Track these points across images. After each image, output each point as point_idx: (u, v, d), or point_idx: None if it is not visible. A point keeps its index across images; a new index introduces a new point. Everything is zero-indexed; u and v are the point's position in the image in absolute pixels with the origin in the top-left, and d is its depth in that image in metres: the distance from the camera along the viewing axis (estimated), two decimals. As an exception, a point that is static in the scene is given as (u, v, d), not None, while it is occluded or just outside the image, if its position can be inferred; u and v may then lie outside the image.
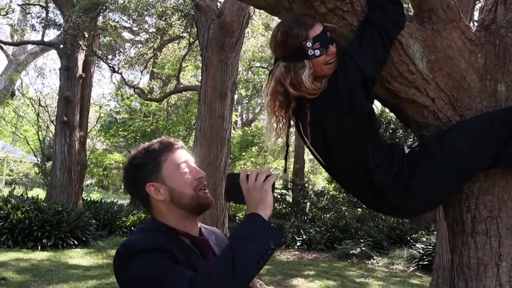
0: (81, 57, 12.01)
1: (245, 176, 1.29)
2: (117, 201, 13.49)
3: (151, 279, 1.14)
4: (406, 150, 1.63)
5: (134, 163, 1.36)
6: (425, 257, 9.06)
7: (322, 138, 1.55)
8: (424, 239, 10.12)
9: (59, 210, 9.67)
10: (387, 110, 15.94)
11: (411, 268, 9.15)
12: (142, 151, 1.37)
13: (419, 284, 7.86)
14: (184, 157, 1.37)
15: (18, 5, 13.80)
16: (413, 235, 11.21)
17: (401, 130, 13.37)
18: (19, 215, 8.87)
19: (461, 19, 1.64)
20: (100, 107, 16.58)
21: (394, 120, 13.82)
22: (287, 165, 1.92)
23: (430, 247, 9.08)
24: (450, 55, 1.60)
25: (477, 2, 6.76)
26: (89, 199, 13.27)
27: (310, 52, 1.51)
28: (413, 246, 10.34)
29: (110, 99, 17.64)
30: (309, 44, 1.50)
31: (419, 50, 1.58)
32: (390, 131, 13.18)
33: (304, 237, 11.42)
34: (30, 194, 12.70)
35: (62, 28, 9.99)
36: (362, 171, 1.54)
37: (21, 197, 10.26)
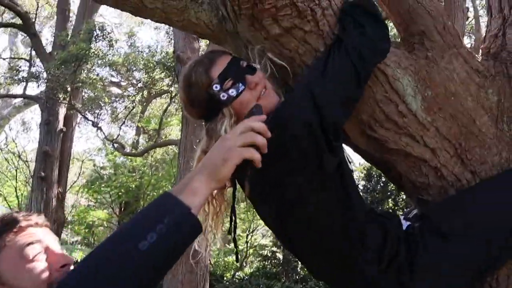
0: (62, 111, 11.72)
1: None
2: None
3: None
4: (405, 224, 1.15)
5: None
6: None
7: (273, 210, 1.09)
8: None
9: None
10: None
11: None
12: None
13: None
14: (38, 236, 0.87)
15: (3, 59, 13.71)
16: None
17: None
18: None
19: (462, 45, 1.24)
20: (82, 161, 16.14)
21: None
22: (237, 244, 1.31)
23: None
24: (452, 90, 1.19)
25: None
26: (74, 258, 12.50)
27: (223, 97, 1.09)
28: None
29: (94, 154, 17.21)
30: (216, 87, 1.09)
31: (410, 84, 1.17)
32: (381, 184, 12.51)
33: (295, 299, 10.63)
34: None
35: (41, 80, 9.76)
36: (337, 258, 1.08)
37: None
